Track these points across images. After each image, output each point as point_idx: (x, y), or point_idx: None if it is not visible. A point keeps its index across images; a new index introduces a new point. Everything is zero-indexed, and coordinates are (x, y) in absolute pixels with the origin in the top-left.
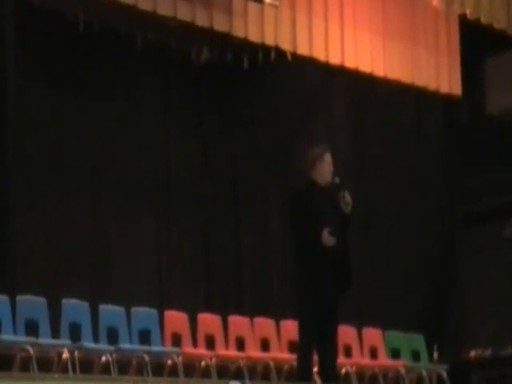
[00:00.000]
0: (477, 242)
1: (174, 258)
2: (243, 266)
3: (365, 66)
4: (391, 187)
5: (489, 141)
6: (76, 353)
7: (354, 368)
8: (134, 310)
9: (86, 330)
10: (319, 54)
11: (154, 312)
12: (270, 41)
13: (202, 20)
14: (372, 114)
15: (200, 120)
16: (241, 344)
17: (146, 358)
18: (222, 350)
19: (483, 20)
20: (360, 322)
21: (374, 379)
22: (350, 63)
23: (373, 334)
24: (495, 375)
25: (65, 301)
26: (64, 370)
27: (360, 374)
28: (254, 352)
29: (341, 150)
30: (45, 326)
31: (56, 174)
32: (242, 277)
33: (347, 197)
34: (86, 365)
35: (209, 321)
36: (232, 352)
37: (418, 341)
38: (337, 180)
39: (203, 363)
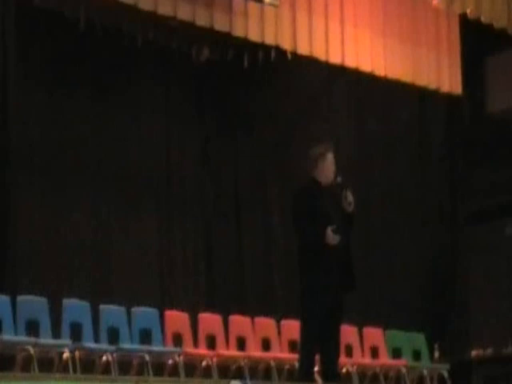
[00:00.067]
0: (478, 241)
1: (175, 257)
2: (244, 266)
3: (365, 66)
4: (392, 186)
5: (490, 139)
6: (77, 353)
7: (355, 367)
8: (135, 309)
9: (87, 329)
10: (319, 54)
11: (154, 312)
12: (270, 40)
13: (202, 19)
14: (373, 113)
15: (201, 119)
16: (242, 344)
17: (147, 357)
18: (223, 350)
19: (484, 19)
20: (361, 322)
21: (375, 379)
22: (351, 62)
23: (374, 334)
24: (496, 374)
25: (65, 301)
26: (65, 369)
27: (361, 374)
28: (255, 352)
29: (341, 150)
30: (46, 325)
31: (57, 173)
32: (243, 277)
33: (349, 196)
34: (87, 365)
35: (210, 320)
36: (233, 352)
37: (419, 340)
38: (339, 179)
39: (204, 363)
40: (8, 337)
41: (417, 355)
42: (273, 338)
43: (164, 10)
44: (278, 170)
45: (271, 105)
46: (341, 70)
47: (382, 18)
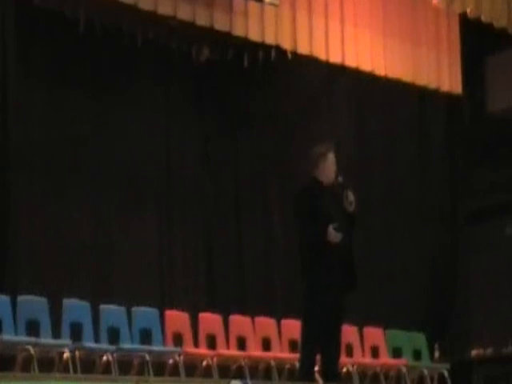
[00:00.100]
0: (479, 240)
1: (175, 257)
2: (244, 266)
3: (365, 65)
4: (393, 185)
5: (490, 139)
6: (77, 353)
7: (355, 367)
8: (135, 309)
9: (87, 329)
10: (320, 53)
11: (155, 311)
12: (270, 40)
13: (202, 19)
14: (373, 112)
15: (201, 119)
16: (242, 343)
17: (148, 357)
18: (223, 350)
19: (484, 18)
20: (361, 321)
21: (376, 378)
22: (351, 62)
23: (374, 333)
24: (496, 374)
25: (66, 301)
26: (65, 369)
27: (361, 373)
28: (255, 351)
29: (341, 150)
30: (46, 326)
31: (57, 173)
32: (243, 276)
33: (351, 196)
34: (87, 365)
35: (210, 320)
36: (233, 351)
37: (419, 340)
38: (340, 179)
39: (204, 363)
40: (8, 337)
41: (417, 355)
42: (273, 337)
43: (164, 9)
44: (277, 170)
45: (271, 105)
46: (341, 70)
47: (382, 17)
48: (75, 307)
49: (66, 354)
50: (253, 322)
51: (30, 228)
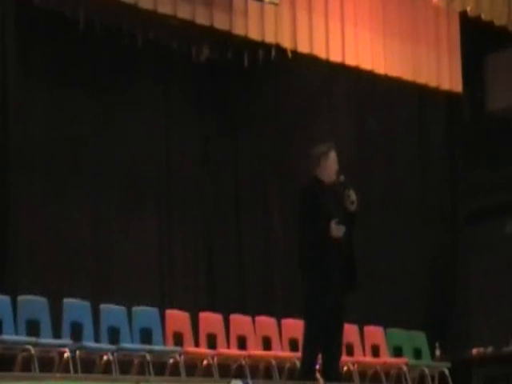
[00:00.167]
0: (479, 239)
1: (176, 257)
2: (245, 265)
3: (365, 64)
4: (393, 185)
5: (490, 138)
6: (77, 352)
7: (355, 366)
8: (136, 309)
9: (88, 329)
10: (320, 52)
11: (155, 311)
12: (270, 39)
13: (202, 18)
14: (373, 111)
15: (201, 119)
16: (242, 343)
17: (148, 357)
18: (223, 349)
19: (484, 17)
20: (362, 320)
21: (376, 377)
22: (351, 61)
23: (375, 332)
24: (497, 373)
25: (66, 300)
26: (65, 369)
27: (362, 372)
28: (255, 351)
29: (342, 148)
30: (46, 325)
31: (57, 173)
32: (243, 276)
33: (352, 195)
34: (88, 364)
35: (210, 320)
36: (234, 351)
37: (419, 338)
38: (342, 178)
39: (205, 362)
40: (8, 337)
41: (418, 354)
42: (273, 336)
43: (164, 8)
44: (277, 170)
45: (271, 104)
46: (341, 69)
47: (382, 16)
48: (75, 307)
49: (67, 354)
50: (253, 321)
51: (30, 228)
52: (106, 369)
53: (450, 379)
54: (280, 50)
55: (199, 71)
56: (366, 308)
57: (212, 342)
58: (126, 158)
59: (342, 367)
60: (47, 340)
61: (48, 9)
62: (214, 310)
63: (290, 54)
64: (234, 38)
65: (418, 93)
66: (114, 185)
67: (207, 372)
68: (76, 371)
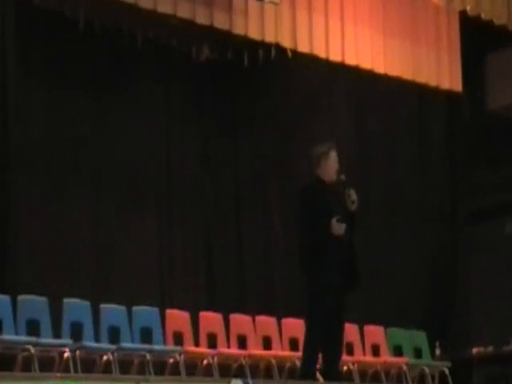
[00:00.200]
0: (479, 239)
1: (176, 256)
2: (245, 265)
3: (365, 63)
4: (393, 184)
5: (490, 137)
6: (77, 352)
7: (356, 365)
8: (136, 308)
9: (88, 329)
10: (320, 52)
11: (155, 311)
12: (270, 38)
13: (202, 18)
14: (373, 111)
15: (201, 118)
16: (243, 342)
17: (148, 356)
18: (223, 349)
19: (484, 16)
20: (362, 320)
21: (377, 377)
22: (351, 60)
23: (375, 332)
24: (497, 372)
25: (66, 300)
26: (65, 369)
27: (362, 372)
28: (255, 350)
29: (342, 148)
30: (46, 325)
31: (57, 173)
32: (243, 275)
33: (353, 194)
34: (88, 364)
35: (210, 319)
36: (234, 350)
37: (420, 338)
38: (342, 178)
39: (205, 362)
40: (8, 336)
41: (418, 353)
42: (273, 336)
43: (164, 8)
44: (277, 170)
45: (271, 104)
46: (341, 69)
47: (382, 15)
48: (75, 307)
49: (67, 354)
50: (253, 320)
51: (30, 228)
52: (106, 368)
53: (450, 379)
54: (280, 49)
55: (199, 71)
56: (366, 307)
57: (212, 342)
58: (125, 158)
59: (342, 367)
60: (47, 340)
61: (48, 9)
62: (214, 309)
63: (289, 54)
64: (233, 38)
65: (418, 92)
66: (114, 185)
67: (207, 372)
68: (76, 371)
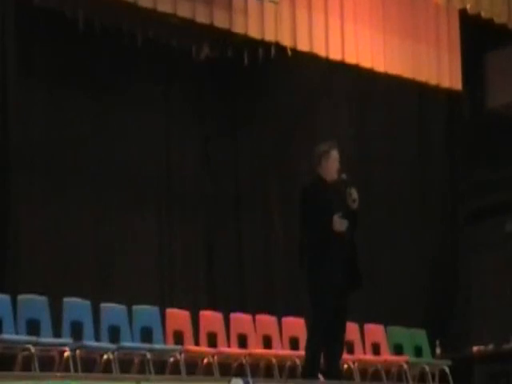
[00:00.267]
0: (479, 237)
1: (176, 256)
2: (245, 265)
3: (365, 62)
4: (393, 183)
5: (490, 136)
6: (78, 351)
7: (356, 364)
8: (136, 308)
9: (88, 328)
10: (320, 50)
11: (155, 310)
12: (270, 37)
13: (202, 16)
14: (373, 109)
15: (201, 118)
16: (243, 341)
17: (148, 355)
18: (224, 348)
19: (484, 15)
20: (362, 318)
21: (377, 375)
22: (351, 59)
23: (375, 330)
24: (497, 370)
25: (66, 300)
26: (66, 368)
27: (362, 370)
28: (256, 349)
29: (342, 146)
30: (46, 324)
31: (57, 173)
32: (243, 274)
33: (354, 193)
34: (88, 363)
35: (211, 318)
36: (234, 349)
37: (420, 336)
38: (344, 177)
39: (205, 360)
40: (9, 336)
41: (418, 351)
42: (274, 335)
43: (164, 7)
44: (278, 170)
45: (271, 103)
46: (341, 67)
47: (382, 13)
48: (76, 306)
49: (67, 353)
50: (253, 319)
51: (30, 228)
52: (107, 368)
53: (450, 377)
54: (280, 48)
55: (199, 70)
56: (367, 306)
57: (212, 341)
58: (126, 158)
59: (343, 365)
60: (47, 339)
61: (48, 9)
62: (214, 308)
63: (289, 52)
64: (233, 37)
65: (418, 92)
66: (114, 185)
67: (208, 371)
68: (76, 370)
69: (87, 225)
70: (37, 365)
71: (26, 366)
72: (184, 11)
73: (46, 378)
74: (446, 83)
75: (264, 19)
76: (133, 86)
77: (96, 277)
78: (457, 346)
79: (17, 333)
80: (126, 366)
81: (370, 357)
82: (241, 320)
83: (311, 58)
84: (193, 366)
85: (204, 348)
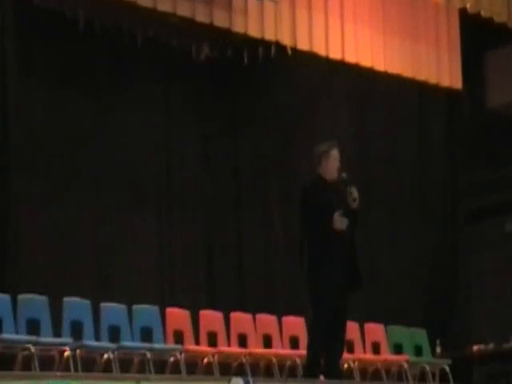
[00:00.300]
0: (479, 237)
1: (176, 255)
2: (245, 265)
3: (365, 61)
4: (393, 183)
5: (490, 135)
6: (78, 351)
7: (356, 363)
8: (136, 307)
9: (88, 328)
10: (319, 49)
11: (155, 309)
12: (270, 36)
13: (202, 16)
14: (373, 109)
15: (201, 117)
16: (243, 340)
17: (148, 355)
18: (224, 347)
19: (483, 14)
20: (362, 318)
21: (377, 374)
22: (351, 58)
23: (375, 329)
24: (498, 369)
25: (66, 299)
26: (66, 368)
27: (362, 370)
28: (256, 348)
29: (342, 146)
30: (46, 324)
31: (57, 173)
32: (243, 274)
33: (355, 192)
34: (88, 363)
35: (211, 318)
36: (234, 349)
37: (420, 336)
38: (344, 176)
39: (205, 360)
40: (9, 336)
41: (418, 351)
42: (274, 334)
43: (163, 6)
44: (278, 170)
45: (271, 102)
46: (341, 66)
47: (382, 13)
48: (76, 305)
49: (67, 353)
50: (254, 319)
51: (30, 228)
52: (107, 367)
53: (450, 376)
54: (280, 47)
55: (199, 70)
56: (367, 305)
57: (212, 340)
58: (126, 158)
59: (343, 364)
60: (47, 339)
61: (48, 8)
62: (214, 307)
63: (289, 52)
64: (233, 36)
65: (418, 91)
66: (114, 185)
67: (208, 370)
68: (76, 370)
69: (87, 225)
70: (37, 364)
71: (26, 366)
72: (184, 10)
73: (46, 377)
74: (445, 82)
75: (264, 18)
76: (133, 86)
77: (96, 277)
78: (457, 345)
79: (17, 332)
80: (126, 365)
81: (370, 356)
82: (241, 319)
83: (311, 58)
84: (193, 365)
85: (204, 347)
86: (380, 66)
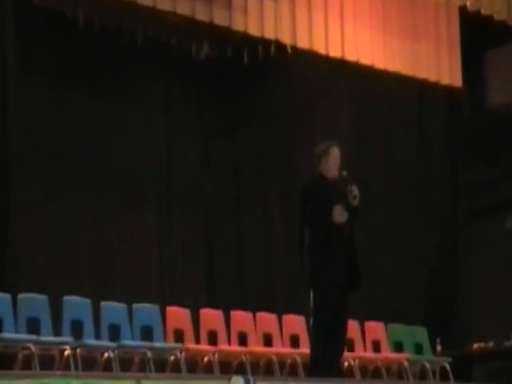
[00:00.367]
0: (479, 234)
1: (176, 254)
2: (245, 262)
3: (365, 59)
4: (393, 181)
5: (490, 133)
6: (78, 350)
7: (356, 362)
8: (136, 306)
9: (88, 327)
10: (319, 48)
11: (156, 308)
12: (269, 35)
13: (201, 14)
14: (373, 109)
15: (201, 118)
16: (243, 339)
17: (149, 354)
18: (224, 346)
19: (483, 12)
20: (363, 316)
21: (377, 373)
22: (351, 56)
23: (375, 328)
24: (498, 368)
25: (66, 298)
26: (66, 367)
27: (363, 368)
28: (256, 347)
29: (342, 145)
30: (47, 323)
31: (57, 173)
32: (243, 272)
33: (355, 190)
34: (89, 362)
35: (211, 316)
36: (234, 347)
37: (420, 334)
38: (345, 174)
39: (206, 359)
40: (9, 335)
41: (419, 349)
42: (274, 333)
43: (163, 5)
44: (278, 170)
45: (271, 101)
46: (341, 64)
47: (382, 11)
48: (76, 304)
49: (67, 352)
50: (254, 317)
51: (31, 226)
52: (107, 366)
53: (451, 374)
54: (280, 46)
55: (199, 69)
56: (367, 304)
57: (213, 339)
58: (126, 158)
59: (343, 363)
60: (48, 338)
61: (48, 8)
62: (214, 306)
63: (289, 50)
64: (233, 35)
65: (418, 90)
66: (114, 185)
67: (208, 369)
68: (77, 369)
69: (87, 225)
70: (37, 363)
71: (27, 365)
72: (183, 9)
73: (46, 376)
74: (445, 81)
75: (264, 17)
76: (133, 85)
77: (96, 276)
78: (457, 343)
79: (17, 331)
80: (126, 364)
81: (370, 354)
82: (241, 318)
83: (311, 57)
84: (193, 364)
85: (204, 346)
86: (380, 64)
